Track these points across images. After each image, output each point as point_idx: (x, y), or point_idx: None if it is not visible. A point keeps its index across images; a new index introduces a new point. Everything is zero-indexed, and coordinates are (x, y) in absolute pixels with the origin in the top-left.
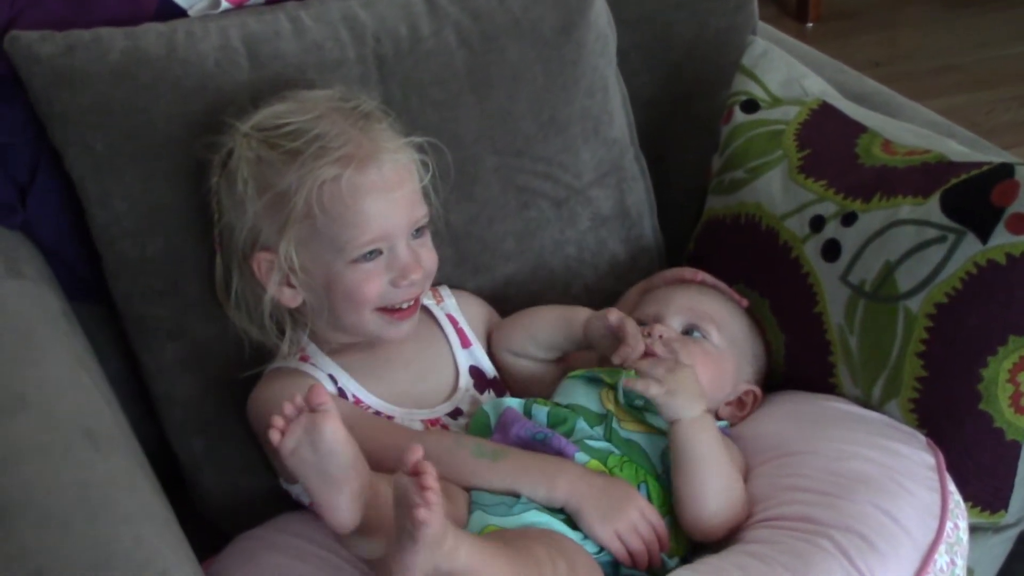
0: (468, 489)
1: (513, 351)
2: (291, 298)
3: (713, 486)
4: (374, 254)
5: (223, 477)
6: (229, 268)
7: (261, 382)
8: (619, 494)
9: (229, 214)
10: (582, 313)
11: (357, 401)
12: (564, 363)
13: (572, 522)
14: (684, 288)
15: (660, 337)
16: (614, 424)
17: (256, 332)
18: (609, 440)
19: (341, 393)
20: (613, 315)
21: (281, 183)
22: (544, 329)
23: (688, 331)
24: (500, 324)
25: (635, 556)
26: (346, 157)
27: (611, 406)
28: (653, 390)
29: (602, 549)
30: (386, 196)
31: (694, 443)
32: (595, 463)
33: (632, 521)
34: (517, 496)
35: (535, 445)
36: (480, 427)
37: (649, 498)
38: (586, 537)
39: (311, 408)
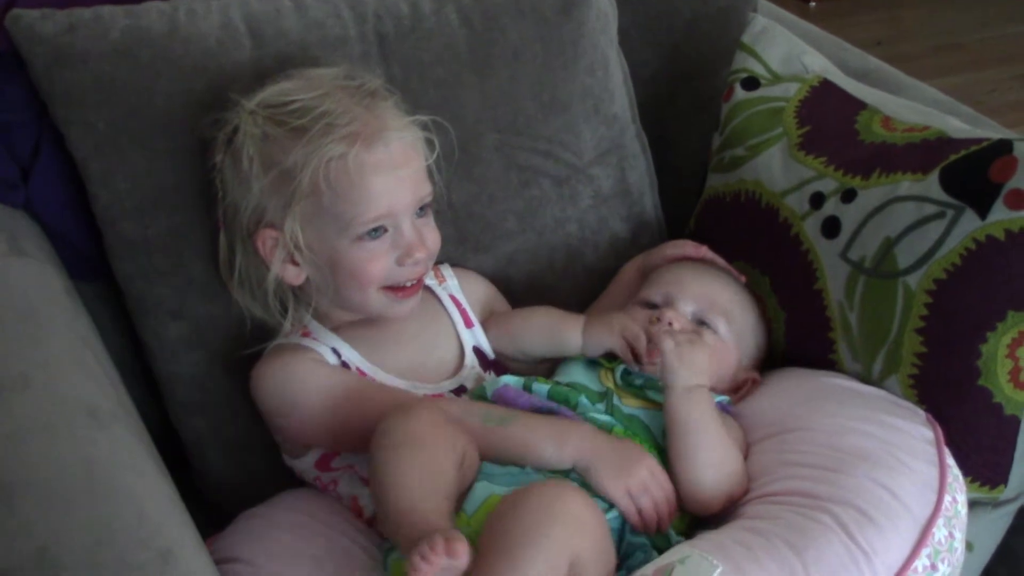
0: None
1: (503, 355)
2: (295, 276)
3: (706, 455)
4: (379, 232)
5: (225, 455)
6: (232, 247)
7: (263, 359)
8: (630, 452)
9: (234, 192)
10: (573, 328)
11: (361, 374)
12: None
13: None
14: (698, 272)
15: (670, 324)
16: (615, 400)
17: (259, 311)
18: (611, 416)
19: (344, 366)
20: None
21: (287, 160)
22: (532, 342)
23: (697, 320)
24: (492, 324)
25: (645, 515)
26: (353, 135)
27: (611, 384)
28: (667, 344)
29: (610, 508)
30: (392, 174)
31: (687, 411)
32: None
33: (643, 479)
34: (523, 467)
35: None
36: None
37: None
38: (595, 497)
39: (449, 555)
